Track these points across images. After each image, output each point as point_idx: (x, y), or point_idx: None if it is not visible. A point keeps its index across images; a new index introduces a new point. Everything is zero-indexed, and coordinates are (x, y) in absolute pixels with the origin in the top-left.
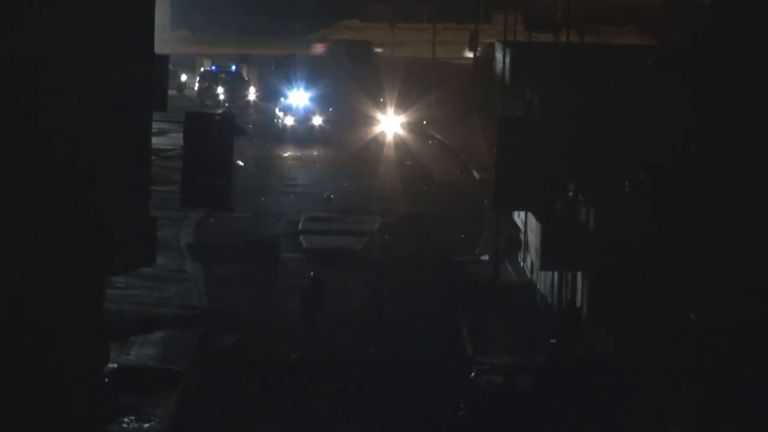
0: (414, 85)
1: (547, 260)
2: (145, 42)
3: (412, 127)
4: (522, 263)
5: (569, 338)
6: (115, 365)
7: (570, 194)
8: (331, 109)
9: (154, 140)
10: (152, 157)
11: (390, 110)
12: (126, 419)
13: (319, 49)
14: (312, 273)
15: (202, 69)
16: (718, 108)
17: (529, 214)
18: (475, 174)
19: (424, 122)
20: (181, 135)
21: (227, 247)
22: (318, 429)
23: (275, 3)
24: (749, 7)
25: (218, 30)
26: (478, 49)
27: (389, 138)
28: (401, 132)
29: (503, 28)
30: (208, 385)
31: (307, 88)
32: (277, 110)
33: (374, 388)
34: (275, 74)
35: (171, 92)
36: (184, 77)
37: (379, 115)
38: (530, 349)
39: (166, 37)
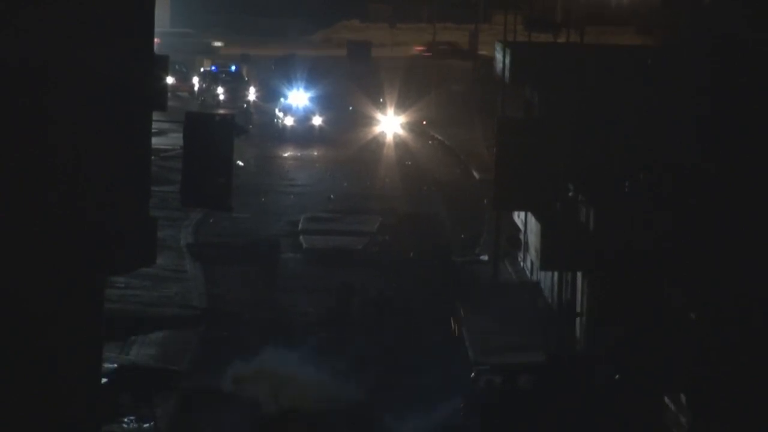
0: (414, 85)
1: (547, 260)
2: (146, 42)
3: (412, 127)
4: (522, 263)
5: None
6: (115, 365)
7: (570, 194)
8: (351, 108)
9: (154, 140)
10: (152, 157)
11: (390, 110)
12: (126, 419)
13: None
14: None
15: (202, 69)
16: (719, 107)
17: (529, 214)
18: (475, 174)
19: (424, 122)
20: (181, 135)
21: (227, 247)
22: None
23: (275, 3)
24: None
25: (218, 30)
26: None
27: (389, 138)
28: (401, 132)
29: (503, 28)
30: (208, 385)
31: (307, 88)
32: (277, 110)
33: (373, 388)
34: (275, 74)
35: (183, 95)
36: (195, 80)
37: (379, 115)
38: (531, 349)
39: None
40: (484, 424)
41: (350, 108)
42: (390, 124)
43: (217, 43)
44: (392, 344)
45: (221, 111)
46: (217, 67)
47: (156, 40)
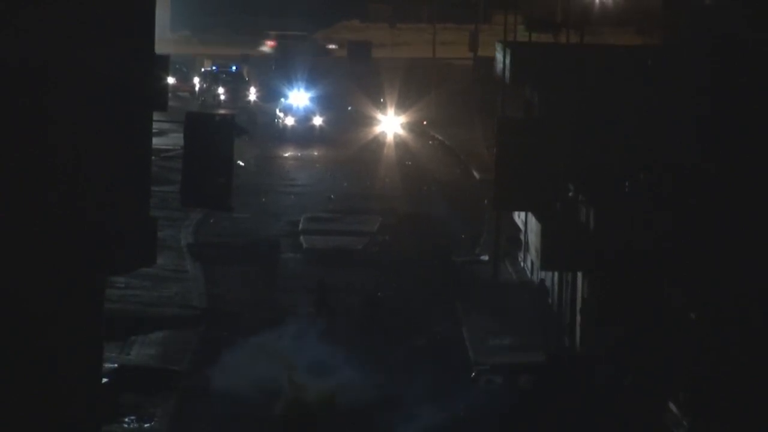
0: (414, 85)
1: (547, 260)
2: (146, 42)
3: (412, 127)
4: (522, 263)
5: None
6: (115, 365)
7: (570, 194)
8: (350, 108)
9: (154, 140)
10: (152, 157)
11: (390, 110)
12: (126, 419)
13: (269, 45)
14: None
15: (202, 69)
16: (719, 107)
17: (529, 214)
18: (475, 174)
19: (424, 122)
20: (181, 135)
21: (227, 247)
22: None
23: (275, 3)
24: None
25: (219, 30)
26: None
27: (389, 138)
28: (401, 132)
29: (503, 28)
30: (208, 385)
31: (307, 89)
32: (277, 111)
33: (373, 388)
34: (275, 74)
35: (183, 95)
36: (196, 80)
37: (379, 115)
38: (531, 349)
39: (166, 37)
40: (484, 424)
41: (349, 108)
42: (390, 124)
43: (332, 46)
44: (384, 343)
45: (222, 111)
46: (217, 67)
47: (271, 43)
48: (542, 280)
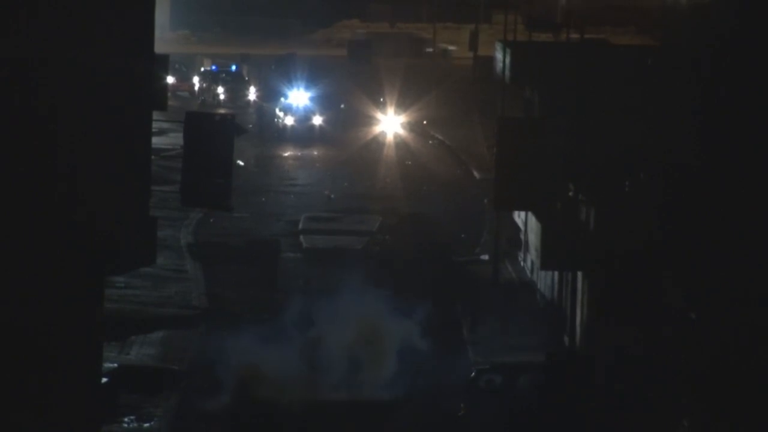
0: (414, 85)
1: (547, 260)
2: (146, 42)
3: (413, 127)
4: (522, 263)
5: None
6: (115, 365)
7: (570, 194)
8: (342, 106)
9: (154, 140)
10: (152, 157)
11: (390, 110)
12: (126, 419)
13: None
14: None
15: (202, 68)
16: (719, 107)
17: (529, 214)
18: (475, 174)
19: (424, 122)
20: (181, 135)
21: (227, 247)
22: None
23: (275, 3)
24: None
25: (218, 30)
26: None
27: (389, 138)
28: (401, 132)
29: (503, 28)
30: (208, 385)
31: (307, 88)
32: (277, 110)
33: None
34: (275, 74)
35: (183, 94)
36: (196, 79)
37: (379, 115)
38: (531, 349)
39: (166, 37)
40: (484, 424)
41: (342, 106)
42: (390, 123)
43: None
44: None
45: (221, 110)
46: (217, 67)
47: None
48: (530, 281)
